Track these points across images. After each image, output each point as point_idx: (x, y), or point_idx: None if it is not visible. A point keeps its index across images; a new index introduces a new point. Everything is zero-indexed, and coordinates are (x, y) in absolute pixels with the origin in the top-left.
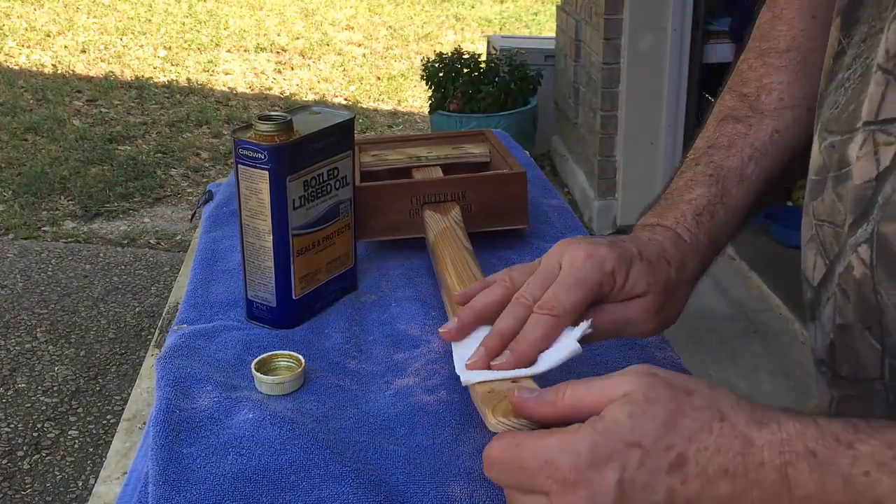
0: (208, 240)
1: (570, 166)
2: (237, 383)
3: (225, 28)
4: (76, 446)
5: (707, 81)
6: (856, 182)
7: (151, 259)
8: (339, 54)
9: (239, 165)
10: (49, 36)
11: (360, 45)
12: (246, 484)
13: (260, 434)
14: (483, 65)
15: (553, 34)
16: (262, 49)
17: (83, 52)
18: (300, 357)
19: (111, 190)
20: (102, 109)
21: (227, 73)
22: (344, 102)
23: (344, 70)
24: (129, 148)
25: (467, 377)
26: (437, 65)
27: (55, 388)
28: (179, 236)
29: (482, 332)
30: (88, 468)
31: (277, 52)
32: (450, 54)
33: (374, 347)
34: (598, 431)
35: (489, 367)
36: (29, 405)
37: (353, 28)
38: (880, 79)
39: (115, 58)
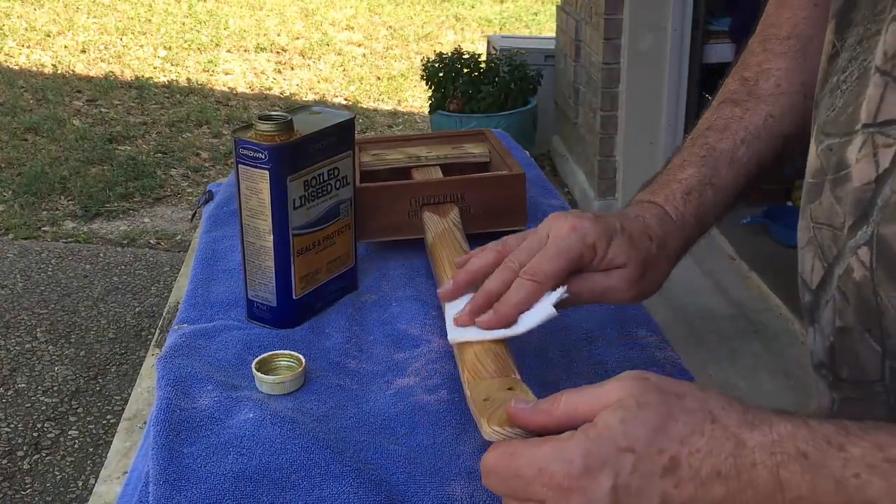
0: (209, 239)
1: (570, 166)
2: (238, 383)
3: (225, 28)
4: (76, 446)
5: (707, 81)
6: (855, 184)
7: (151, 259)
8: (339, 54)
9: (239, 165)
10: (49, 36)
11: (360, 45)
12: (246, 483)
13: (260, 433)
14: (483, 65)
15: (553, 34)
16: (262, 49)
17: (83, 52)
18: (300, 357)
19: (111, 190)
20: (102, 109)
21: (227, 73)
22: (344, 102)
23: (344, 70)
24: (129, 148)
25: (454, 335)
26: (437, 65)
27: (55, 388)
28: (179, 236)
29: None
30: (88, 468)
31: (277, 52)
32: (450, 54)
33: (374, 347)
34: (591, 438)
35: (474, 324)
36: (29, 405)
37: (353, 28)
38: (879, 81)
39: (115, 58)
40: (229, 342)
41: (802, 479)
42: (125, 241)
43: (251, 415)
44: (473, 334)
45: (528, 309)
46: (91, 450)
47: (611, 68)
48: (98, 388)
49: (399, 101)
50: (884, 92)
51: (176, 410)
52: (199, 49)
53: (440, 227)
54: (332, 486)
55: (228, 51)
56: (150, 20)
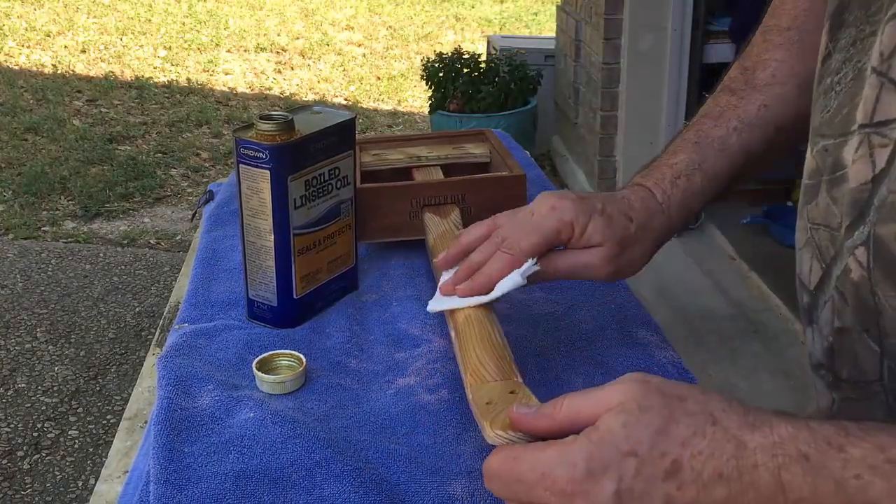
0: (209, 239)
1: (570, 166)
2: (238, 382)
3: (225, 28)
4: (76, 446)
5: (707, 81)
6: (852, 185)
7: (151, 259)
8: (339, 54)
9: (240, 165)
10: (49, 36)
11: (360, 45)
12: (247, 482)
13: (261, 433)
14: (483, 65)
15: (553, 34)
16: (262, 49)
17: (83, 52)
18: (301, 356)
19: (111, 190)
20: (102, 109)
21: (227, 73)
22: (344, 102)
23: (344, 70)
24: (129, 148)
25: (432, 306)
26: (437, 65)
27: (55, 388)
28: (179, 236)
29: None
30: (88, 468)
31: (277, 52)
32: (450, 54)
33: (375, 347)
34: (594, 442)
35: (455, 292)
36: (29, 405)
37: (353, 28)
38: (875, 81)
39: (115, 58)
40: (230, 342)
41: (804, 481)
42: (125, 241)
43: (252, 414)
44: (450, 303)
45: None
46: (91, 450)
47: (611, 68)
48: (98, 388)
49: (399, 101)
50: (879, 92)
51: (177, 410)
52: (199, 49)
53: (441, 227)
54: (332, 485)
55: (228, 51)
56: (150, 20)
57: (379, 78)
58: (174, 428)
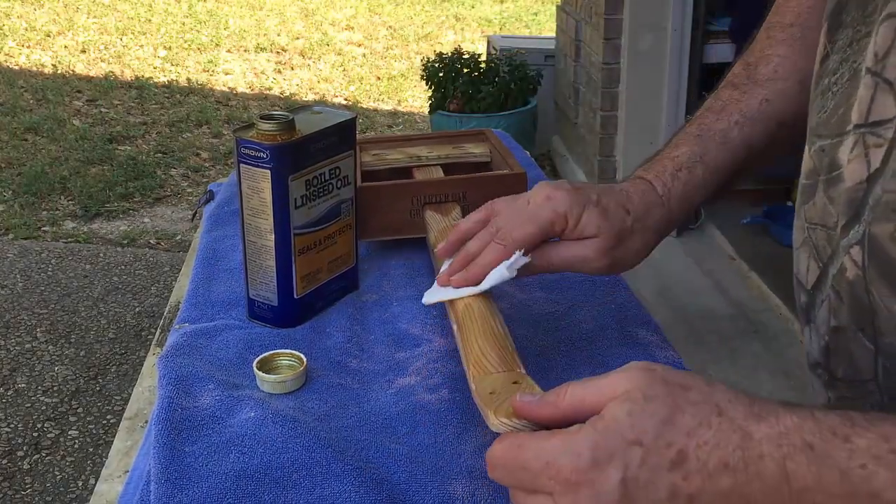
0: (210, 239)
1: (570, 166)
2: (239, 382)
3: (225, 28)
4: (76, 446)
5: (707, 81)
6: (847, 184)
7: (151, 259)
8: (339, 54)
9: (241, 164)
10: (49, 36)
11: (360, 45)
12: (248, 482)
13: (262, 432)
14: (483, 65)
15: (553, 34)
16: (262, 49)
17: (83, 52)
18: (302, 356)
19: (111, 190)
20: (102, 109)
21: (227, 73)
22: (344, 102)
23: (344, 70)
24: (129, 148)
25: (427, 297)
26: (437, 65)
27: (55, 388)
28: (179, 236)
29: None
30: (88, 468)
31: (277, 52)
32: (450, 54)
33: (375, 346)
34: (599, 431)
35: (450, 283)
36: (29, 405)
37: (353, 28)
38: (869, 82)
39: (115, 58)
40: (230, 341)
41: (808, 471)
42: (125, 241)
43: (252, 414)
44: (444, 294)
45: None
46: (91, 450)
47: (611, 68)
48: (98, 388)
49: (399, 101)
50: (874, 93)
51: (177, 409)
52: (199, 49)
53: (442, 225)
54: (333, 485)
55: (228, 51)
56: (150, 20)
57: (379, 78)
58: (175, 427)
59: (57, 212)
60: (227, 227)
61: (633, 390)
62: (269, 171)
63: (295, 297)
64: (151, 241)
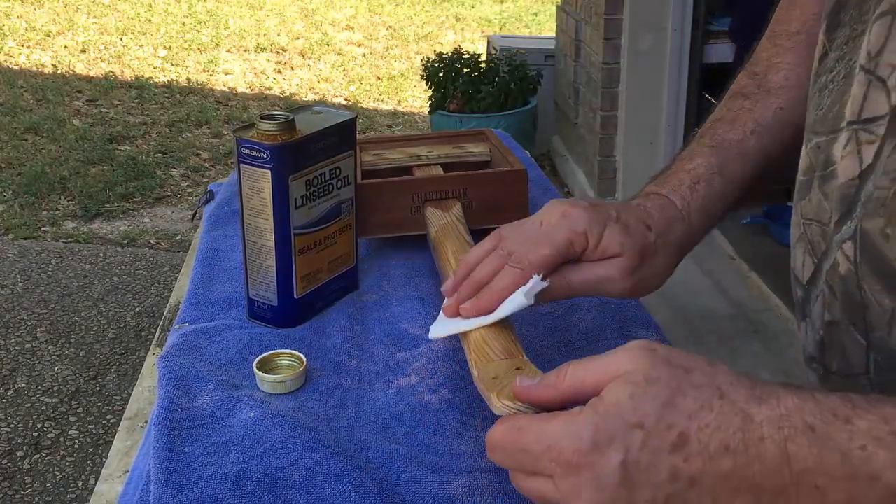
0: (210, 239)
1: (570, 166)
2: (239, 382)
3: (225, 28)
4: (76, 446)
5: (707, 81)
6: (840, 180)
7: (151, 259)
8: (339, 54)
9: (241, 164)
10: (49, 36)
11: (360, 45)
12: (248, 482)
13: (261, 433)
14: (483, 65)
15: (553, 34)
16: (262, 49)
17: (83, 52)
18: (301, 356)
19: (111, 190)
20: (102, 109)
21: (227, 73)
22: (344, 102)
23: (344, 70)
24: (129, 148)
25: (434, 332)
26: (437, 65)
27: (55, 388)
28: (179, 236)
29: None
30: (88, 468)
31: (277, 52)
32: (450, 54)
33: (375, 346)
34: (600, 414)
35: (459, 312)
36: (29, 405)
37: (353, 28)
38: (862, 79)
39: (115, 58)
40: (230, 341)
41: (809, 452)
42: (125, 241)
43: (252, 414)
44: (453, 326)
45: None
46: (91, 450)
47: (611, 68)
48: (98, 388)
49: (399, 101)
50: (867, 90)
51: (177, 409)
52: (199, 49)
53: (443, 220)
54: (333, 485)
55: (228, 51)
56: (150, 20)
57: (379, 78)
58: (174, 427)
59: (57, 212)
60: (227, 227)
61: (635, 372)
62: (269, 171)
63: (295, 297)
64: (151, 241)
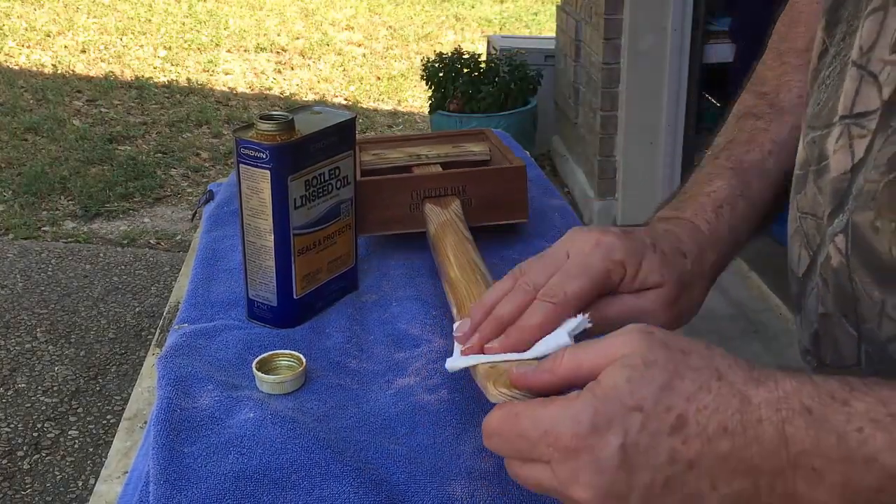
0: (209, 239)
1: (570, 166)
2: (238, 382)
3: (225, 28)
4: (76, 446)
5: (707, 81)
6: (833, 174)
7: (151, 259)
8: (339, 54)
9: (240, 165)
10: (49, 36)
11: (360, 45)
12: (247, 483)
13: (261, 433)
14: (483, 65)
15: (553, 34)
16: (262, 49)
17: (83, 52)
18: (301, 356)
19: (111, 190)
20: (102, 109)
21: (227, 73)
22: (344, 102)
23: (344, 70)
24: (129, 148)
25: (453, 363)
26: (437, 65)
27: (55, 388)
28: (179, 236)
29: None
30: (88, 468)
31: (277, 52)
32: (450, 54)
33: (374, 347)
34: (598, 397)
35: (482, 351)
36: (29, 405)
37: (353, 28)
38: (854, 74)
39: (115, 58)
40: (230, 342)
41: (807, 434)
42: (125, 241)
43: (251, 414)
44: (475, 359)
45: (545, 334)
46: (91, 450)
47: (611, 68)
48: (98, 388)
49: (399, 101)
50: (859, 85)
51: (176, 410)
52: (199, 49)
53: (442, 217)
54: (332, 485)
55: (228, 51)
56: (150, 20)
57: (379, 78)
58: (174, 428)
59: (57, 212)
60: (226, 227)
61: (632, 355)
62: (268, 172)
63: (294, 297)
64: (151, 241)
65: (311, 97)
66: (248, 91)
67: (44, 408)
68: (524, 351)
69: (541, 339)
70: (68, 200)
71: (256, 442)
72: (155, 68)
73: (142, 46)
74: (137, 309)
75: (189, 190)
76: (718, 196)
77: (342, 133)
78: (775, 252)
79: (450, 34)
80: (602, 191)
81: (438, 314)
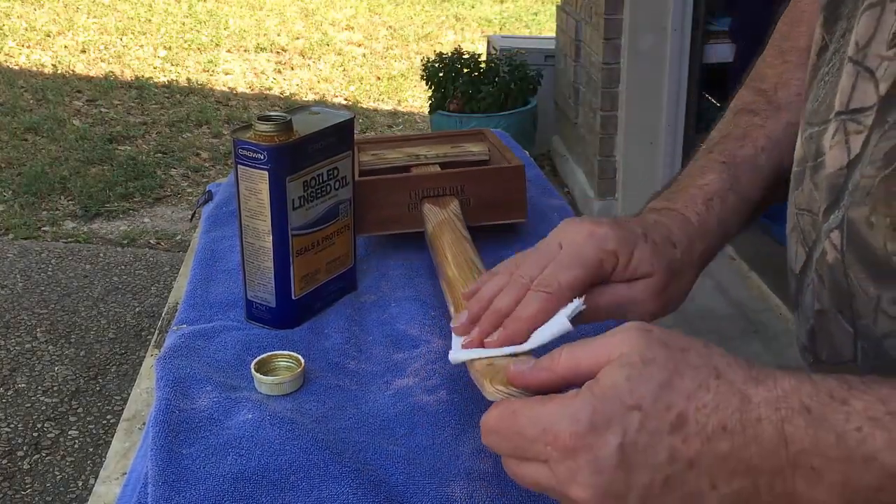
0: (208, 240)
1: (570, 166)
2: (237, 384)
3: (225, 28)
4: (76, 446)
5: (707, 81)
6: (829, 170)
7: (151, 259)
8: (339, 54)
9: (238, 166)
10: (49, 36)
11: (360, 45)
12: (245, 484)
13: (259, 434)
14: (483, 65)
15: (553, 34)
16: (262, 49)
17: (83, 52)
18: (300, 357)
19: (111, 190)
20: (102, 109)
21: (227, 73)
22: (344, 102)
23: (344, 70)
24: (129, 148)
25: (456, 355)
26: (437, 65)
27: (55, 388)
28: (179, 236)
29: None
30: (88, 468)
31: (277, 52)
32: (450, 54)
33: (373, 348)
34: (597, 396)
35: (482, 346)
36: (29, 405)
37: (353, 28)
38: (851, 70)
39: (115, 58)
40: (228, 343)
41: (806, 434)
42: (125, 241)
43: (250, 416)
44: (477, 352)
45: (541, 324)
46: (91, 450)
47: (611, 68)
48: (98, 388)
49: (399, 101)
50: (855, 81)
51: (175, 411)
52: (199, 49)
53: (440, 217)
54: (331, 486)
55: (228, 51)
56: (150, 20)
57: (379, 78)
58: (172, 429)
59: (57, 212)
60: (225, 227)
61: (631, 353)
62: (266, 173)
63: (293, 298)
64: (151, 241)
65: (311, 97)
66: (248, 91)
67: (44, 408)
68: (522, 342)
69: (536, 328)
70: (68, 200)
71: (255, 443)
72: (155, 68)
73: (142, 46)
74: (137, 309)
75: (189, 190)
76: (710, 189)
77: (340, 133)
78: (775, 252)
79: (450, 34)
80: (602, 191)
81: (437, 315)
